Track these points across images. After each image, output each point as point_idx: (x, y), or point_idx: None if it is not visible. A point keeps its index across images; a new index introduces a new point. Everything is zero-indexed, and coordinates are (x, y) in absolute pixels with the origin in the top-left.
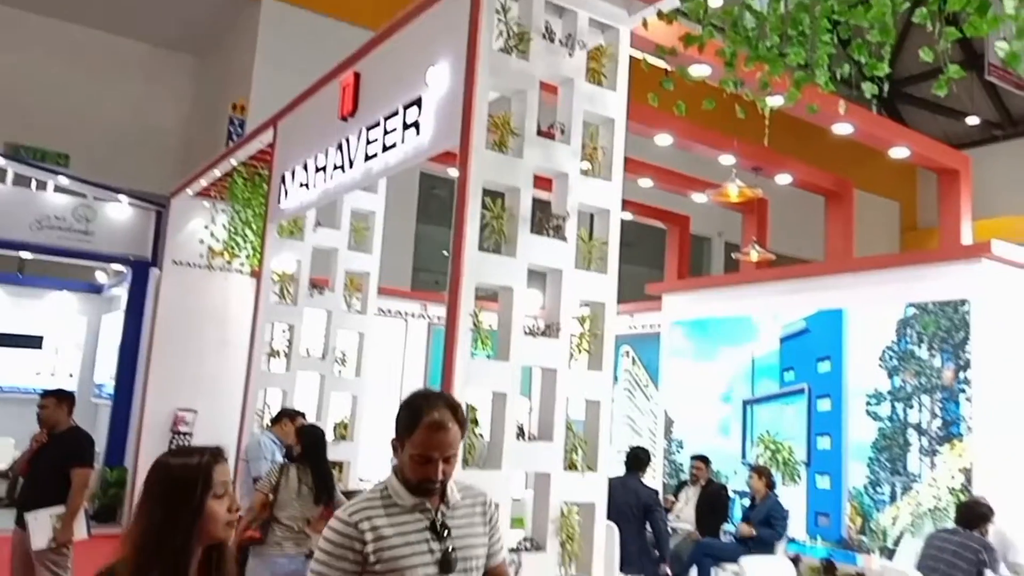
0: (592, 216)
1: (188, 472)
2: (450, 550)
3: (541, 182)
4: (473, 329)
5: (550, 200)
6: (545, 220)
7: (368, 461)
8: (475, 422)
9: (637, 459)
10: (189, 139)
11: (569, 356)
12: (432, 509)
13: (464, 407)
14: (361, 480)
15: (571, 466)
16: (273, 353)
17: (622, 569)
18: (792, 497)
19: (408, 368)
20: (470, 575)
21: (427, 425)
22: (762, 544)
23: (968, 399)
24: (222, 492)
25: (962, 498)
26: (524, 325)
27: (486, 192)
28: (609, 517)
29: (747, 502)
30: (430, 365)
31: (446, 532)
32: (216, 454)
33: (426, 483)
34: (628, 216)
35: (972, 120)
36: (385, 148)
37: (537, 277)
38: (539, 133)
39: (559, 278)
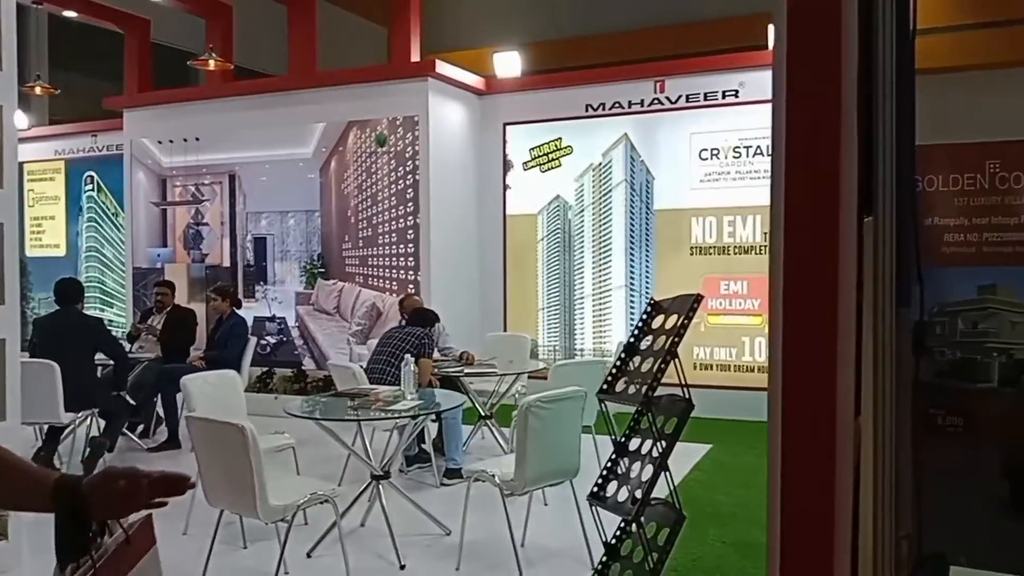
0: None
1: None
2: None
3: None
4: None
5: None
6: None
7: None
8: None
9: (65, 294)
10: None
11: None
12: None
13: None
14: None
15: None
16: None
17: (71, 407)
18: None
19: None
20: None
21: None
22: (223, 364)
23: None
24: None
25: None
26: None
27: None
28: (44, 354)
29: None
30: None
31: None
32: None
33: None
34: (72, 14)
35: None
36: None
37: None
38: None
39: None
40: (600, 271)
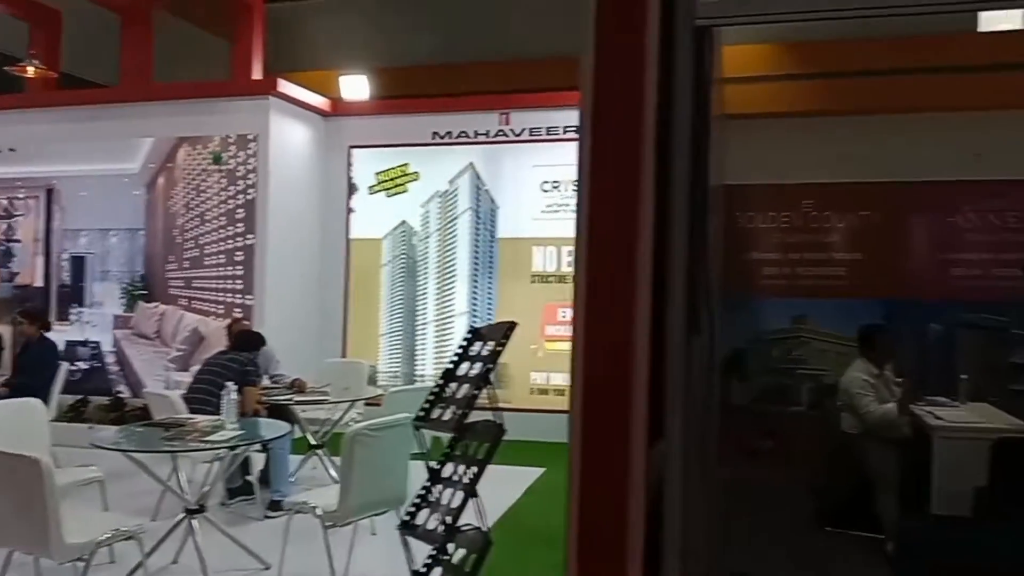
0: None
1: None
2: None
3: None
4: None
5: None
6: None
7: None
8: None
9: None
10: None
11: None
12: None
13: None
14: None
15: None
16: None
17: None
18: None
19: None
20: None
21: None
22: (30, 391)
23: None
24: None
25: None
26: None
27: None
28: None
29: None
30: None
31: None
32: None
33: None
34: None
35: None
36: None
37: None
38: None
39: None
40: (443, 297)
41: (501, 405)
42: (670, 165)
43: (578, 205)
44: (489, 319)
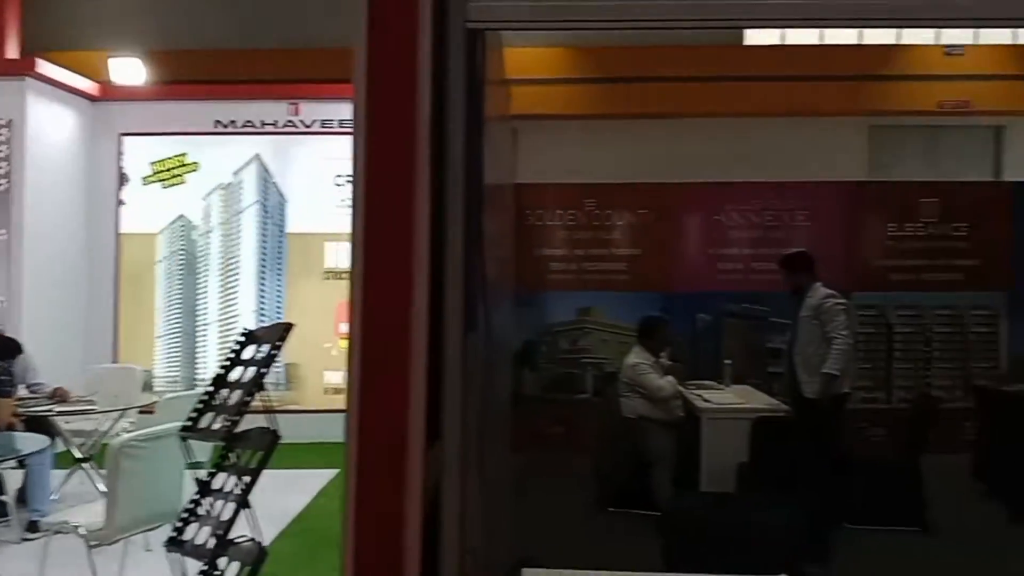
0: None
1: None
2: None
3: None
4: None
5: None
6: None
7: None
8: None
9: None
10: None
11: None
12: None
13: None
14: None
15: None
16: None
17: None
18: None
19: None
20: None
21: None
22: None
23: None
24: None
25: None
26: None
27: None
28: None
29: None
30: None
31: None
32: None
33: None
34: None
35: None
36: None
37: None
38: None
39: None
40: (227, 296)
41: (292, 407)
42: (445, 164)
43: (353, 201)
44: (278, 318)
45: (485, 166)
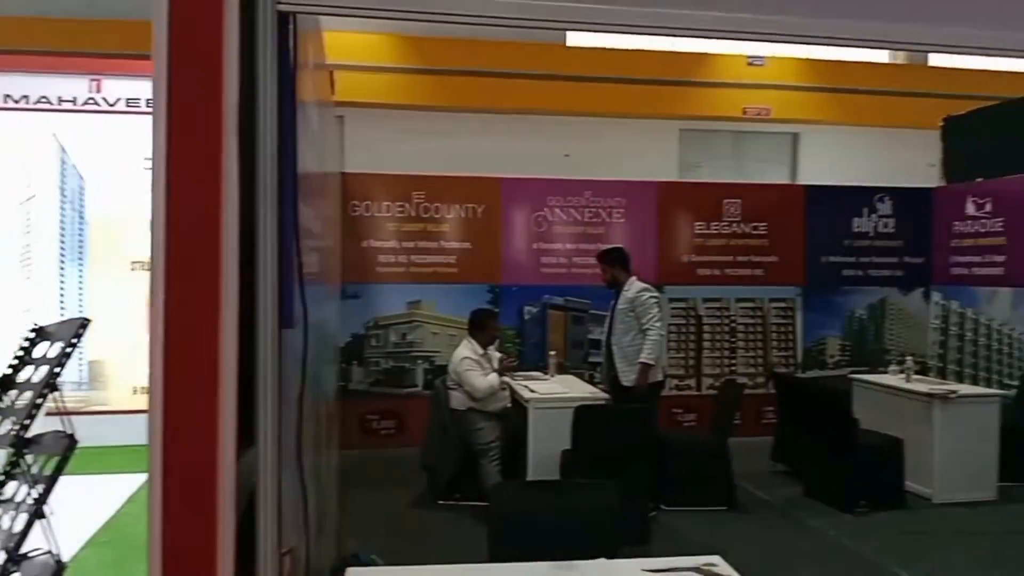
0: None
1: None
2: None
3: None
4: None
5: None
6: None
7: None
8: None
9: None
10: None
11: None
12: None
13: None
14: None
15: None
16: None
17: None
18: None
19: None
20: None
21: None
22: None
23: None
24: None
25: None
26: None
27: None
28: None
29: None
30: None
31: None
32: None
33: None
34: None
35: None
36: None
37: None
38: None
39: None
40: (17, 288)
41: (97, 408)
42: (256, 149)
43: (153, 187)
44: (81, 311)
45: (302, 153)
